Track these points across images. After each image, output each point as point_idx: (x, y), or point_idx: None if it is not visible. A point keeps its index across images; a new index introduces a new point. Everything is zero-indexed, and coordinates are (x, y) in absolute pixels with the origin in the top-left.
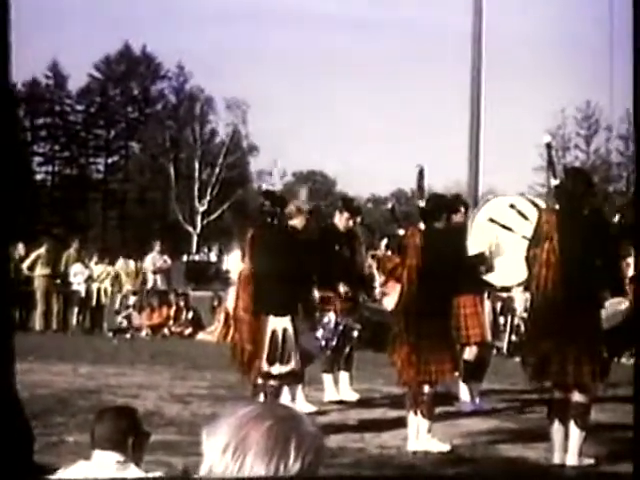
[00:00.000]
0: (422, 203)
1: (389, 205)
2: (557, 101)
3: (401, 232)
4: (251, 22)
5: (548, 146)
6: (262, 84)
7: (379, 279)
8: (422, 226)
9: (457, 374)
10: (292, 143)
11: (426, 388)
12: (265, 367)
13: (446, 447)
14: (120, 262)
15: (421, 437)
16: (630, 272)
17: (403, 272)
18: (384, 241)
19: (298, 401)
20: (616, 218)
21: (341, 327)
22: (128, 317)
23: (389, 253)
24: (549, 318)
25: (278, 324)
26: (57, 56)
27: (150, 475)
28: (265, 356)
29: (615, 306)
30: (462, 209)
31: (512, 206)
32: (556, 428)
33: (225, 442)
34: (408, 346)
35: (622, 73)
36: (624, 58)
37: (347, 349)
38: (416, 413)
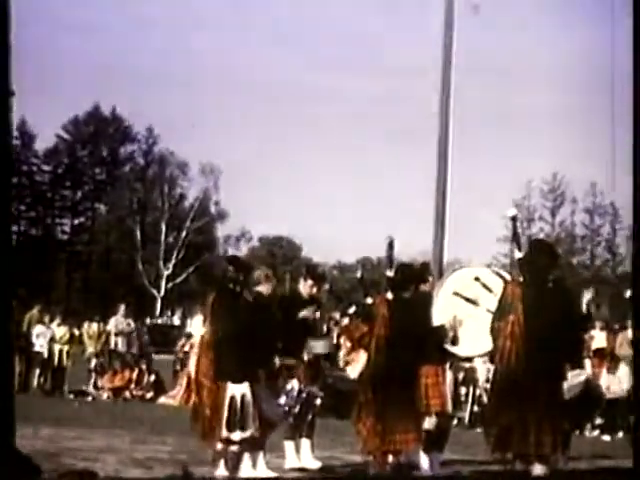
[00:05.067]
0: (390, 273)
1: (358, 274)
2: (524, 173)
3: (369, 301)
4: (218, 88)
5: (513, 219)
6: (229, 150)
7: (343, 347)
8: (390, 295)
9: (420, 444)
10: (259, 209)
11: (389, 457)
12: (225, 433)
13: None
14: (84, 324)
15: None
16: (594, 345)
17: (371, 341)
18: (351, 309)
19: (259, 468)
20: (585, 299)
21: (304, 394)
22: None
23: (356, 321)
24: (512, 389)
25: (237, 390)
26: (24, 115)
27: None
28: (225, 422)
29: (575, 378)
30: (430, 278)
31: (477, 279)
32: None
33: None
34: (374, 415)
35: (594, 146)
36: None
37: (309, 416)
38: None
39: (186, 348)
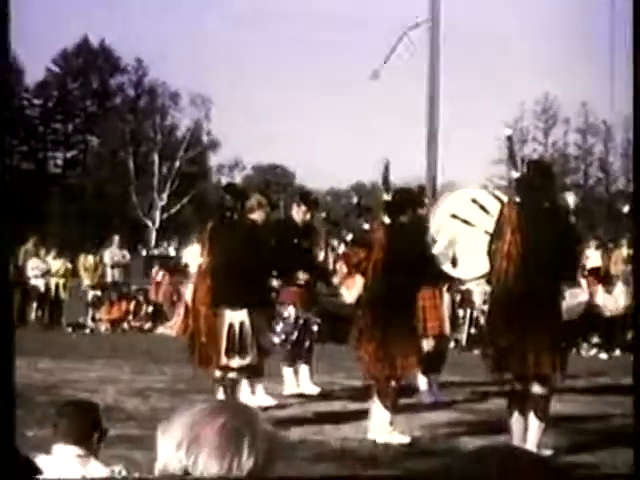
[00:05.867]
0: (387, 197)
1: (354, 199)
2: (516, 93)
3: (366, 226)
4: (210, 16)
5: (509, 139)
6: (220, 79)
7: (339, 273)
8: (387, 220)
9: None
10: (252, 138)
11: (392, 382)
12: (224, 360)
13: (406, 439)
14: (79, 257)
15: (382, 429)
16: (588, 264)
17: (368, 266)
18: (349, 236)
19: (258, 394)
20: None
21: (301, 321)
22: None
23: (353, 247)
24: (509, 310)
25: (235, 317)
26: (14, 50)
27: (115, 468)
28: (224, 349)
29: (574, 298)
30: (426, 202)
31: (474, 200)
32: (515, 419)
33: (179, 439)
34: (375, 341)
35: (581, 64)
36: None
37: (307, 342)
38: (382, 404)
39: (158, 278)
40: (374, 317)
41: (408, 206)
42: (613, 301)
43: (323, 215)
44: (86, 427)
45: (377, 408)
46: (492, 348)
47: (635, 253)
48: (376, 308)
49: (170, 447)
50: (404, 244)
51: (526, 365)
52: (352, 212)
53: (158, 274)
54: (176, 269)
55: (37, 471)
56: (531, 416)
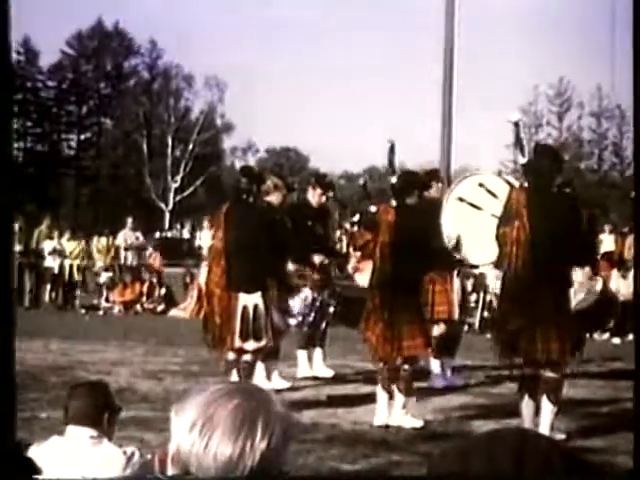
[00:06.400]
0: (393, 179)
1: (361, 181)
2: (530, 78)
3: (373, 209)
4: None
5: (516, 124)
6: (234, 62)
7: (352, 256)
8: (394, 202)
9: (430, 350)
10: (265, 121)
11: (404, 365)
12: (238, 343)
13: (419, 423)
14: (93, 239)
15: (395, 413)
16: (602, 249)
17: (375, 248)
18: (355, 217)
19: (272, 377)
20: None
21: (318, 303)
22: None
23: (360, 229)
24: (519, 295)
25: (249, 300)
26: (28, 32)
27: (128, 449)
28: (238, 332)
29: (589, 286)
30: (435, 185)
31: (481, 185)
32: (526, 403)
33: (192, 420)
34: (382, 322)
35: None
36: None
37: (323, 324)
38: (389, 389)
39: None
40: (381, 298)
41: (414, 188)
42: (627, 286)
43: (331, 194)
44: (96, 408)
45: (381, 390)
46: (502, 333)
47: (637, 237)
48: (383, 290)
49: (184, 428)
50: (410, 226)
51: (535, 350)
52: (363, 195)
53: (151, 256)
54: (165, 249)
55: (37, 471)
56: (544, 400)
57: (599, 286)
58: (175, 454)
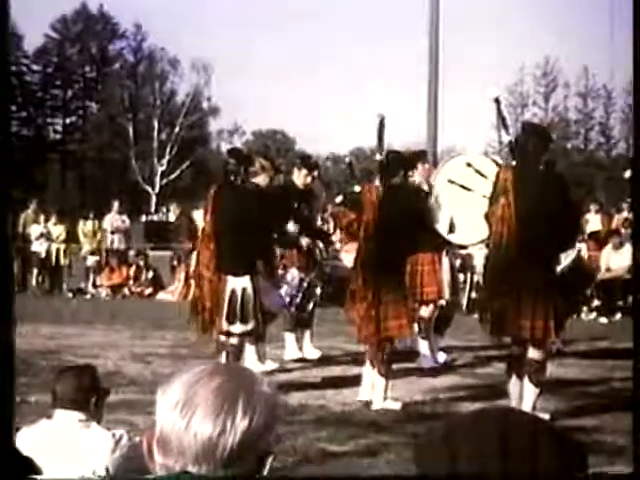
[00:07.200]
0: (380, 156)
1: (347, 160)
2: (516, 58)
3: (357, 188)
4: None
5: (497, 100)
6: (219, 45)
7: (338, 236)
8: (377, 182)
9: (416, 330)
10: (253, 103)
11: (386, 346)
12: (225, 326)
13: (397, 405)
14: (79, 223)
15: (376, 395)
16: (588, 229)
17: (359, 228)
18: (339, 198)
19: (260, 359)
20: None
21: (305, 284)
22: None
23: (344, 209)
24: (504, 274)
25: (237, 284)
26: (13, 16)
27: (117, 432)
28: (225, 315)
29: (566, 257)
30: (421, 166)
31: (469, 165)
32: (512, 383)
33: (176, 399)
34: (366, 302)
35: (584, 29)
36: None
37: (310, 305)
38: (373, 368)
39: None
40: (365, 278)
41: (399, 168)
42: (621, 260)
43: (316, 174)
44: (84, 392)
45: (368, 369)
46: (488, 312)
47: (635, 216)
48: (367, 269)
49: (167, 408)
50: (395, 206)
51: (521, 329)
52: (349, 176)
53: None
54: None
55: (37, 471)
56: (525, 381)
57: (572, 255)
58: (159, 435)
